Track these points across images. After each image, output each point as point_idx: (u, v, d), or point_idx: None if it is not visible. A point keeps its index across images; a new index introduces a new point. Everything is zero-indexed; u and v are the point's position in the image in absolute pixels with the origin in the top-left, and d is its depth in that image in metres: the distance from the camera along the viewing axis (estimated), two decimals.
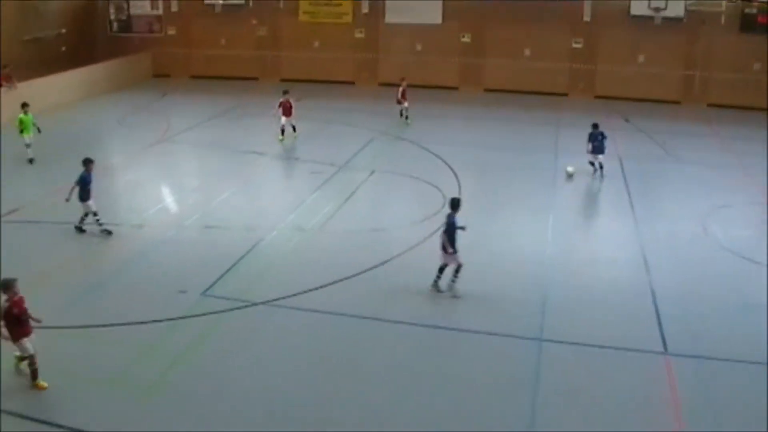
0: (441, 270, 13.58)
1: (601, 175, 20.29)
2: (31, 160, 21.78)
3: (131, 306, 13.32)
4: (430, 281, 13.62)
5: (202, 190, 19.83)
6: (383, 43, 32.43)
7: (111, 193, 20.09)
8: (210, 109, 28.80)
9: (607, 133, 20.52)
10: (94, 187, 16.51)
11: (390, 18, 31.98)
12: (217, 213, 17.81)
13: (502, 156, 21.52)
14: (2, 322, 10.56)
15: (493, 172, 20.67)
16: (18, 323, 10.65)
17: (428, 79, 31.31)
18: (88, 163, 16.46)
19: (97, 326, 12.62)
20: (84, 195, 16.29)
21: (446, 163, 20.96)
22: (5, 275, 11.92)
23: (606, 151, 20.40)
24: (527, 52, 30.91)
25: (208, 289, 13.84)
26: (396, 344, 12.05)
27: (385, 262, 14.80)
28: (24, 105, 22.27)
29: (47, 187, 19.51)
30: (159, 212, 18.20)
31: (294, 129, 24.00)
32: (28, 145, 21.83)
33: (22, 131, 21.86)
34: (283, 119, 23.66)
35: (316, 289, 13.73)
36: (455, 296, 13.47)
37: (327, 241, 15.85)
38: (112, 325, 12.63)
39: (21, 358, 11.01)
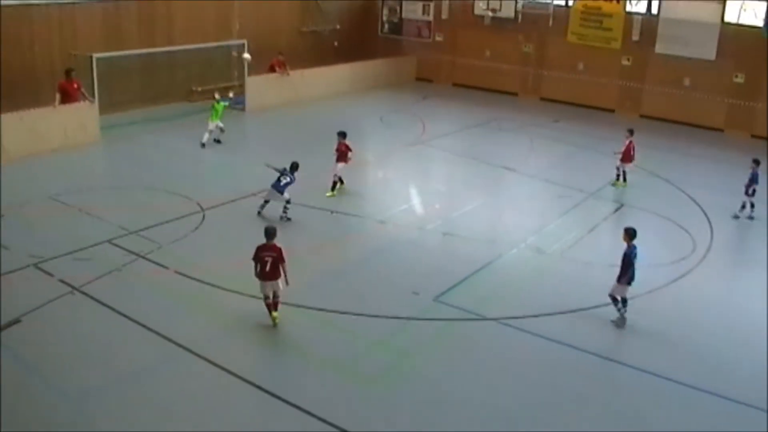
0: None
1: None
2: (217, 140, 23.93)
3: (366, 298, 13.89)
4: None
5: (449, 197, 20.14)
6: (650, 73, 31.32)
7: (362, 187, 20.99)
8: (467, 118, 29.19)
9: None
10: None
11: (660, 48, 30.75)
12: (460, 222, 18.01)
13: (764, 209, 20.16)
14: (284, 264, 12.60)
15: (753, 224, 19.36)
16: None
17: (693, 118, 29.90)
18: (296, 167, 17.97)
19: (333, 311, 13.24)
20: (282, 188, 17.37)
21: (701, 208, 19.93)
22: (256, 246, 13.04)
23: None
24: None
25: (440, 295, 14.05)
26: (625, 389, 11.62)
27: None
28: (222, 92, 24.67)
29: (304, 170, 20.43)
30: (404, 212, 18.69)
31: (341, 181, 19.91)
32: (211, 131, 23.64)
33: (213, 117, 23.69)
34: (338, 166, 19.82)
35: (549, 315, 13.55)
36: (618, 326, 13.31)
37: (565, 269, 15.57)
38: (346, 313, 13.21)
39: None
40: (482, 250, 16.31)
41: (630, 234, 13.48)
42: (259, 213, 17.58)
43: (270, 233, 12.65)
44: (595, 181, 21.53)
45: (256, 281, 12.67)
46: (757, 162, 19.59)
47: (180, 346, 11.88)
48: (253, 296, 13.20)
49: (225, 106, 24.04)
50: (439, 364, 11.93)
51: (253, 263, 12.62)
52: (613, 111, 31.59)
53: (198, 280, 14.10)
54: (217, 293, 13.69)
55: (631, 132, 21.76)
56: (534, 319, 13.36)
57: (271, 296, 12.67)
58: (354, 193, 20.08)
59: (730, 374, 12.12)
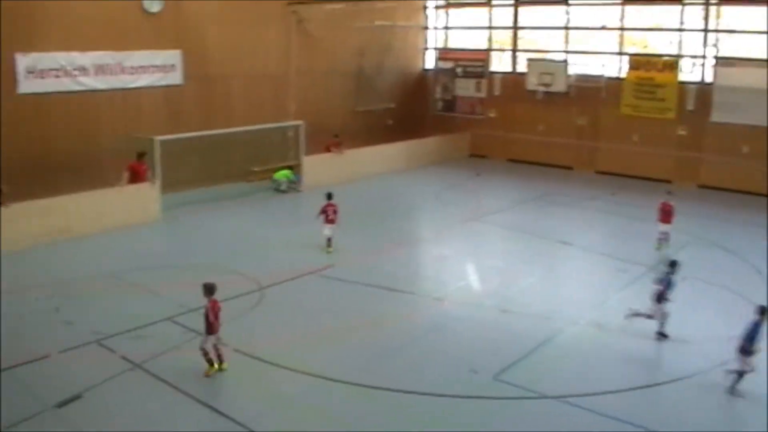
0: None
1: None
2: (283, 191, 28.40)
3: (423, 376, 13.72)
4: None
5: (505, 272, 19.99)
6: (707, 142, 31.04)
7: (419, 264, 21.10)
8: (522, 193, 29.22)
9: None
10: None
11: (716, 117, 30.54)
12: (518, 298, 17.83)
13: None
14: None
15: None
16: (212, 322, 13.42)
17: (754, 187, 29.31)
18: (674, 265, 15.75)
19: (388, 389, 13.13)
20: (661, 297, 15.54)
21: (766, 278, 19.46)
22: (316, 323, 13.15)
23: None
24: None
25: (499, 373, 13.82)
26: None
27: (688, 376, 13.93)
28: (290, 167, 29.12)
29: (360, 248, 20.93)
30: (461, 289, 18.62)
31: (329, 242, 20.87)
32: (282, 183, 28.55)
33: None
34: (327, 227, 20.87)
35: (612, 392, 13.23)
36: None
37: (628, 344, 15.23)
38: (399, 390, 13.07)
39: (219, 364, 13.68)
40: (541, 327, 16.08)
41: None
42: (631, 316, 15.99)
43: (214, 288, 13.59)
44: (655, 254, 21.22)
45: (312, 358, 12.70)
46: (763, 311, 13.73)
47: (237, 422, 11.88)
48: (310, 374, 13.30)
49: (286, 175, 27.88)
50: None
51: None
52: (670, 182, 31.23)
53: (256, 358, 14.15)
54: (275, 371, 13.70)
55: (668, 193, 22.10)
56: (597, 397, 13.04)
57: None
58: (411, 270, 20.20)
59: None
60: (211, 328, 13.41)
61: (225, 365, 13.64)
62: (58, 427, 11.72)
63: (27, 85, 23.64)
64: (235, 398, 12.78)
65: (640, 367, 14.31)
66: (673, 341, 15.15)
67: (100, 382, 13.05)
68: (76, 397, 12.50)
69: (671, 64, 31.55)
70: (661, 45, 33.43)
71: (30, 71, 23.65)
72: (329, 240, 20.88)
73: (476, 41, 37.73)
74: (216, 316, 13.39)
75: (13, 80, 23.31)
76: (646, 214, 24.85)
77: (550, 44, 36.03)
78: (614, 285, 18.89)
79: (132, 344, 14.58)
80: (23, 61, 23.46)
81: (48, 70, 24.06)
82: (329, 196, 21.07)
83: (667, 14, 32.40)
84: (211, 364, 13.52)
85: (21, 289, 17.61)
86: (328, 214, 20.83)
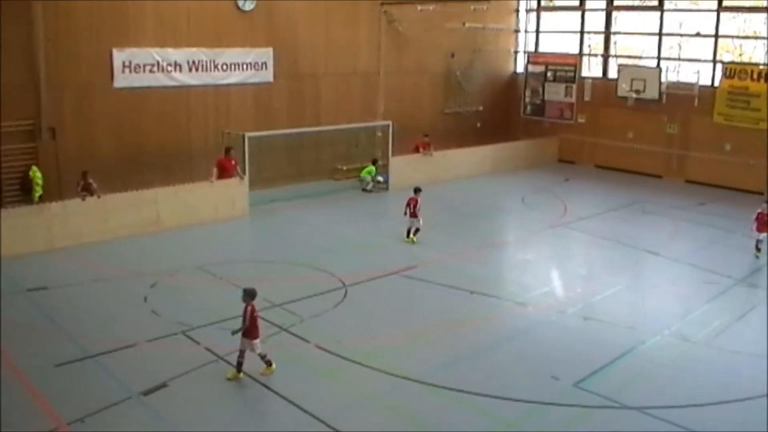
0: None
1: None
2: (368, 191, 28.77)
3: (501, 380, 13.69)
4: None
5: (590, 280, 19.79)
6: None
7: (503, 267, 21.05)
8: (609, 200, 28.83)
9: None
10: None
11: None
12: (601, 306, 17.63)
13: None
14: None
15: None
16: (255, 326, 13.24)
17: None
18: None
19: (463, 391, 13.14)
20: None
21: None
22: (398, 323, 13.16)
23: None
24: None
25: (581, 381, 13.69)
26: None
27: None
28: (374, 161, 29.01)
29: (444, 249, 21.19)
30: (544, 294, 18.51)
31: (416, 232, 21.93)
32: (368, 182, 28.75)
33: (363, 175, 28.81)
34: (408, 220, 21.97)
35: (694, 406, 12.98)
36: None
37: (712, 358, 14.92)
38: (477, 393, 13.06)
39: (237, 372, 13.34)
40: (624, 336, 15.86)
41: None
42: None
43: (255, 293, 13.44)
44: (744, 267, 20.72)
45: (393, 358, 12.80)
46: None
47: (317, 419, 12.04)
48: (391, 374, 13.45)
49: (370, 171, 28.11)
50: None
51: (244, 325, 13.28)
52: (762, 194, 30.34)
53: (338, 355, 14.32)
54: (356, 369, 13.86)
55: (766, 202, 21.78)
56: (678, 410, 12.82)
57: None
58: (494, 273, 20.23)
59: None
60: (248, 332, 13.19)
61: (238, 374, 13.33)
62: (144, 414, 12.13)
63: (122, 80, 24.54)
64: (316, 395, 12.92)
65: (724, 381, 13.93)
66: (755, 356, 14.74)
67: (184, 372, 13.44)
68: (161, 386, 12.91)
69: (767, 73, 30.63)
70: (757, 53, 32.53)
71: (126, 66, 24.49)
72: (415, 231, 21.86)
73: (567, 45, 37.33)
74: (254, 322, 13.21)
75: (110, 75, 24.17)
76: (735, 225, 24.32)
77: (643, 50, 35.38)
78: (701, 297, 18.47)
79: (216, 336, 14.89)
80: (120, 56, 24.32)
81: (143, 65, 24.87)
82: (416, 190, 22.18)
83: (763, 22, 31.47)
84: (269, 365, 13.46)
85: (110, 278, 18.26)
86: (410, 207, 21.73)
